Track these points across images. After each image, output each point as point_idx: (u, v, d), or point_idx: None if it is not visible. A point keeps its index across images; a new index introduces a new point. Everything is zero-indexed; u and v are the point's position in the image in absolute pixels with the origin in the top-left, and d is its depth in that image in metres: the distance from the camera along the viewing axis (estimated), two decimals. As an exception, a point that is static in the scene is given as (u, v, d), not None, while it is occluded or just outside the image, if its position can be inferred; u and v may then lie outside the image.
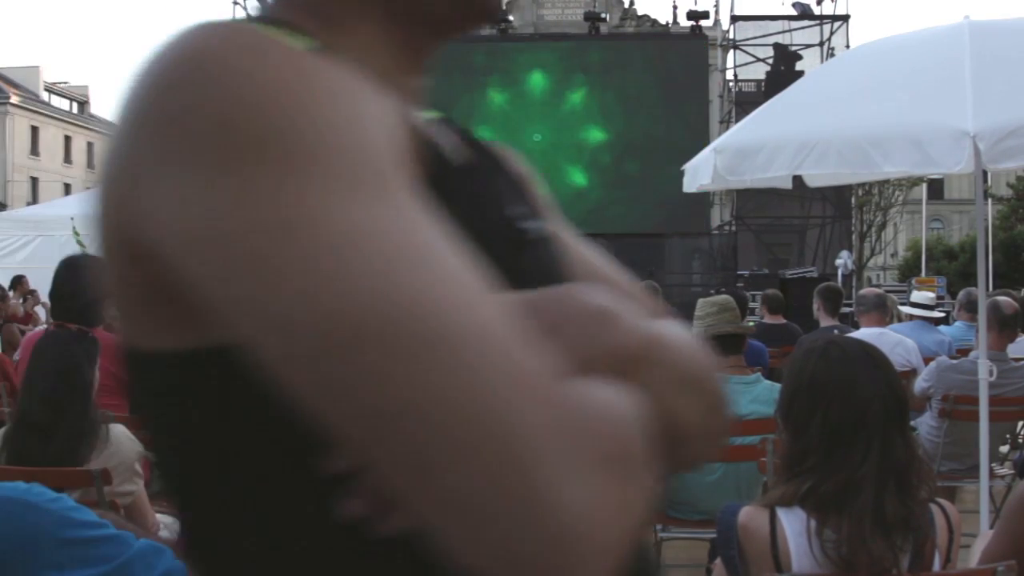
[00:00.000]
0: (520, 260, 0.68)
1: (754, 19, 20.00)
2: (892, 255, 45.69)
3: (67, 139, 50.24)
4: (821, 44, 19.52)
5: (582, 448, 0.49)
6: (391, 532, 0.52)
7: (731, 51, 20.37)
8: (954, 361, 4.84)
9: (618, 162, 20.07)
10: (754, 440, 3.53)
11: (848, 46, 18.39)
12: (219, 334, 0.53)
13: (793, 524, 1.78)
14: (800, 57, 19.23)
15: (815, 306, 6.29)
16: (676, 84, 19.91)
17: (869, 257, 38.08)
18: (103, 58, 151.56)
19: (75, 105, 52.60)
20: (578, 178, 20.29)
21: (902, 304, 7.56)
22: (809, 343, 1.94)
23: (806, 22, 19.72)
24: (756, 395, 3.70)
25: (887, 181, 30.58)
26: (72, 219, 11.32)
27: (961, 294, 6.99)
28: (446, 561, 0.49)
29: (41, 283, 8.73)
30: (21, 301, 9.80)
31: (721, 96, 22.56)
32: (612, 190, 19.97)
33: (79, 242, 10.63)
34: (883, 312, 5.70)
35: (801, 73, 17.18)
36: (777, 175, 3.74)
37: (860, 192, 32.48)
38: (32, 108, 47.28)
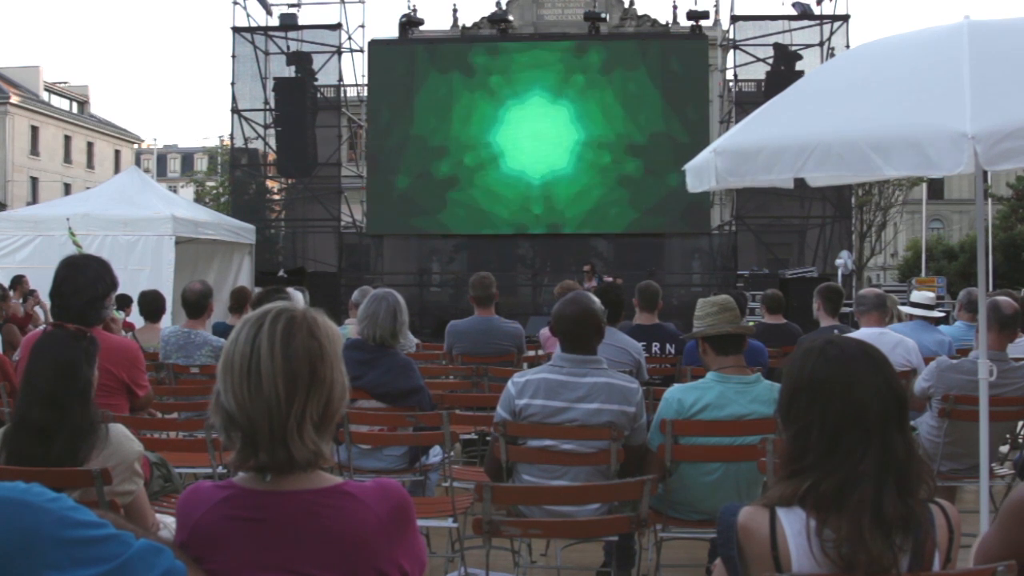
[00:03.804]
0: None
1: (754, 19, 19.99)
2: (892, 255, 45.68)
3: (67, 139, 50.23)
4: (821, 44, 19.54)
5: None
6: None
7: (731, 51, 20.35)
8: (954, 361, 4.83)
9: (618, 162, 20.07)
10: (754, 440, 3.53)
11: (848, 46, 18.40)
12: None
13: (793, 524, 1.78)
14: (800, 57, 19.27)
15: (815, 306, 6.29)
16: (676, 84, 19.91)
17: (869, 257, 38.06)
18: (103, 58, 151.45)
19: (75, 105, 52.59)
20: (578, 178, 20.28)
21: (902, 304, 7.55)
22: (808, 343, 1.93)
23: (806, 22, 19.74)
24: (756, 395, 3.70)
25: (887, 181, 30.58)
26: (68, 219, 11.28)
27: (961, 294, 6.99)
28: None
29: (41, 283, 8.71)
30: (21, 301, 9.79)
31: (721, 96, 22.57)
32: (612, 190, 19.97)
33: (75, 243, 10.61)
34: (883, 312, 5.70)
35: (801, 73, 17.20)
36: (779, 178, 3.72)
37: (860, 192, 32.50)
38: (32, 108, 47.28)
